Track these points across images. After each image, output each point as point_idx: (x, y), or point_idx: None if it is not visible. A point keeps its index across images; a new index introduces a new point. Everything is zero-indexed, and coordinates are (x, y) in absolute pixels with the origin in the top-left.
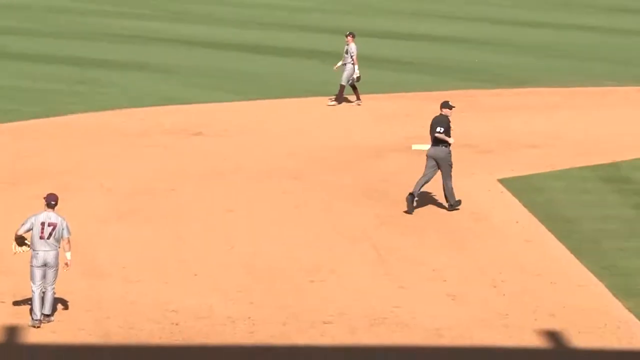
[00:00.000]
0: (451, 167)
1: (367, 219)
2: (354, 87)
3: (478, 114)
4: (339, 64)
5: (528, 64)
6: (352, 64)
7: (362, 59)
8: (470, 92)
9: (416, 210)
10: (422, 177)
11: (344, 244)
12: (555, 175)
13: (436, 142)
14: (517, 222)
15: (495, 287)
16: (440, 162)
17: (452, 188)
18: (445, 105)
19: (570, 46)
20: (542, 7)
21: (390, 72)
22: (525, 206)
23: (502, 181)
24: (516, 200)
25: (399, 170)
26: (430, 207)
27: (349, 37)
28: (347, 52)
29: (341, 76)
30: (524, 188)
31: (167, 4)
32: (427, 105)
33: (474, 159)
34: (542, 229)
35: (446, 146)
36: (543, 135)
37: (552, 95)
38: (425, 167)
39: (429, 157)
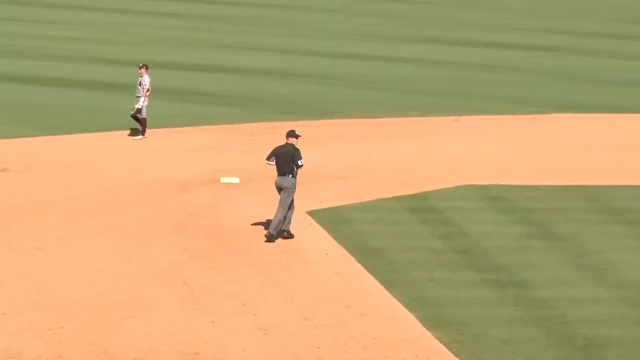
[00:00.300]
0: (292, 198)
1: (177, 254)
2: (135, 118)
3: None
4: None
5: (333, 94)
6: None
7: (168, 92)
8: (275, 124)
9: (225, 243)
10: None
11: (154, 279)
12: (364, 207)
13: (284, 172)
14: (326, 254)
15: (306, 319)
16: (285, 191)
17: (282, 221)
18: (292, 134)
19: (374, 77)
20: (345, 37)
21: (195, 104)
22: (335, 238)
23: (311, 213)
24: (325, 232)
25: (207, 203)
26: (240, 240)
27: (142, 69)
28: (140, 85)
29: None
30: (332, 220)
31: None
32: (232, 137)
33: None
34: (352, 260)
35: (293, 176)
36: (350, 167)
37: (358, 125)
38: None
39: (276, 186)
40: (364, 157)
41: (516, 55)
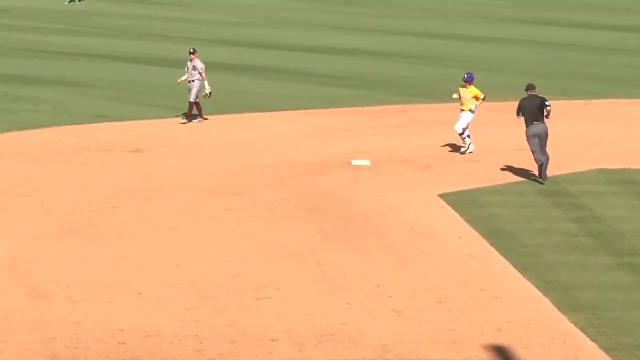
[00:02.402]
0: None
1: (310, 235)
2: (197, 104)
3: (413, 128)
4: (184, 78)
5: (459, 77)
6: (200, 79)
7: (297, 74)
8: (403, 107)
9: (357, 226)
10: (535, 152)
11: (288, 260)
12: (496, 190)
13: (538, 119)
14: (459, 237)
15: (440, 302)
16: (543, 136)
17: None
18: (532, 86)
19: (501, 59)
20: (466, 20)
21: (324, 86)
22: (467, 221)
23: (442, 196)
24: (457, 215)
25: (340, 185)
26: (372, 222)
27: (193, 54)
28: (194, 69)
29: (190, 93)
30: (465, 203)
31: (82, 19)
32: (363, 120)
33: (413, 174)
34: (485, 243)
35: (544, 122)
36: (481, 150)
37: (487, 109)
38: (532, 145)
39: (533, 135)
40: (494, 140)
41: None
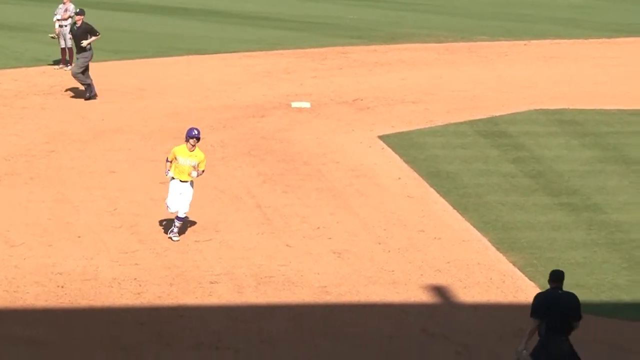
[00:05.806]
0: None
1: (250, 178)
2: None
3: (353, 71)
4: (60, 22)
5: (401, 19)
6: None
7: (239, 17)
8: (344, 49)
9: (297, 168)
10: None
11: (227, 203)
12: (435, 131)
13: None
14: (399, 178)
15: (380, 243)
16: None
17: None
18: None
19: (441, 1)
20: None
21: (263, 28)
22: (407, 162)
23: (382, 138)
24: (397, 157)
25: (280, 128)
26: (312, 165)
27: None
28: (66, 12)
29: (64, 39)
30: (404, 144)
31: None
32: (303, 62)
33: (353, 116)
34: (424, 184)
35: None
36: (420, 91)
37: (426, 50)
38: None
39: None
40: (433, 82)
41: None
